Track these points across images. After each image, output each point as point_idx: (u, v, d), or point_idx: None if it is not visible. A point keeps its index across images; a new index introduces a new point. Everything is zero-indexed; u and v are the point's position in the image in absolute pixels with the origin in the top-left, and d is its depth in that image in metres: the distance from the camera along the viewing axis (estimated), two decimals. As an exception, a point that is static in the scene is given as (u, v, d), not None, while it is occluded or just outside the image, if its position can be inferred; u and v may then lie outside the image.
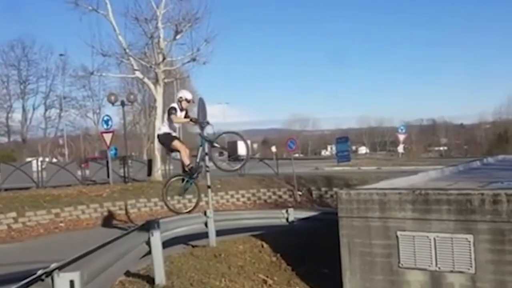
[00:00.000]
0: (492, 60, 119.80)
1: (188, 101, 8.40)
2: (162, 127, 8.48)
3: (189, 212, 9.23)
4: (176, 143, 8.32)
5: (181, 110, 8.29)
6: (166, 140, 8.39)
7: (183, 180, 8.67)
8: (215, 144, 8.77)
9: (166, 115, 8.40)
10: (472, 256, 6.44)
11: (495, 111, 68.14)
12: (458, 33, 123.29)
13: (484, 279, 6.38)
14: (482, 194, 6.44)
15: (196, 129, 9.07)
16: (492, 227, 6.31)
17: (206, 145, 8.73)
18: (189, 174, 8.47)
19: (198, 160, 8.60)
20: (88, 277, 5.10)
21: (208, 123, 8.54)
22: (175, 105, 8.31)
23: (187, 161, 8.34)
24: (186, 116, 8.34)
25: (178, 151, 8.43)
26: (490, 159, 15.65)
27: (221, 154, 8.71)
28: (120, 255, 6.70)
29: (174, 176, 9.34)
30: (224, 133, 9.95)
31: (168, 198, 8.81)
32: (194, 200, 9.06)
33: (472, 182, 8.52)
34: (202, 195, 10.66)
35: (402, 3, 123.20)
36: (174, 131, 8.32)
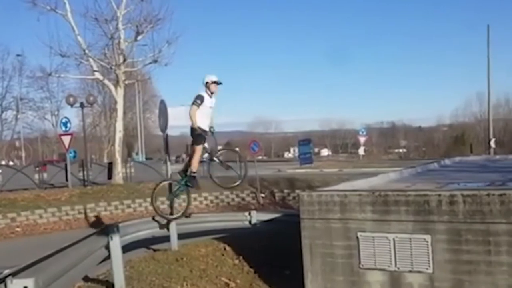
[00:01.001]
0: (449, 64, 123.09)
1: (216, 83, 8.18)
2: (199, 120, 8.20)
3: (177, 217, 9.03)
4: (199, 148, 8.13)
5: (211, 95, 8.11)
6: (198, 139, 8.19)
7: (175, 184, 8.53)
8: (214, 159, 8.54)
9: (193, 105, 8.12)
10: (430, 256, 6.56)
11: (452, 114, 70.27)
12: (415, 37, 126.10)
13: (442, 279, 6.52)
14: (439, 195, 6.57)
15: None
16: (449, 227, 6.45)
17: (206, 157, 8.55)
18: (189, 180, 8.37)
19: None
20: (43, 283, 4.96)
21: (212, 132, 8.33)
22: (203, 93, 8.06)
23: (196, 167, 8.23)
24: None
25: (194, 154, 8.25)
26: (447, 161, 16.02)
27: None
28: (78, 260, 6.56)
29: (166, 180, 9.14)
30: (224, 149, 9.70)
31: (157, 203, 8.65)
32: (184, 205, 8.89)
33: (430, 183, 8.70)
34: (163, 198, 10.58)
35: (360, 3, 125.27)
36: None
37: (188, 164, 8.51)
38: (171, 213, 9.60)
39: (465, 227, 6.34)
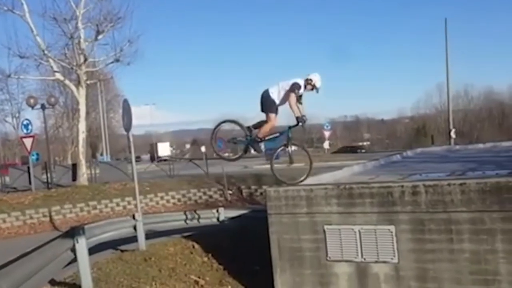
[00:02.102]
0: (409, 57, 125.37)
1: (314, 88, 8.04)
2: (274, 92, 8.02)
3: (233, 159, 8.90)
4: (272, 115, 8.02)
5: (305, 88, 7.97)
6: (269, 106, 8.03)
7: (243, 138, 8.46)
8: (289, 146, 8.32)
9: (284, 85, 7.95)
10: (395, 246, 6.72)
11: (413, 106, 71.61)
12: (375, 31, 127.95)
13: (406, 268, 6.69)
14: (402, 186, 6.73)
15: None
16: (412, 217, 6.62)
17: (285, 139, 8.33)
18: (254, 141, 8.23)
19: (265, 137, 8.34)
20: (8, 288, 4.87)
21: (304, 121, 7.98)
22: (301, 82, 7.91)
23: (266, 133, 8.12)
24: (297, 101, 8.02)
25: (268, 121, 8.08)
26: (409, 153, 16.38)
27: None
28: (43, 264, 6.47)
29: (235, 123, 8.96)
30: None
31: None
32: (239, 154, 8.85)
33: (393, 175, 8.89)
34: (129, 198, 10.49)
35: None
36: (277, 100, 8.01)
37: (258, 126, 8.30)
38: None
39: (427, 217, 6.52)
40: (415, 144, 36.96)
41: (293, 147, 8.55)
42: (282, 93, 7.96)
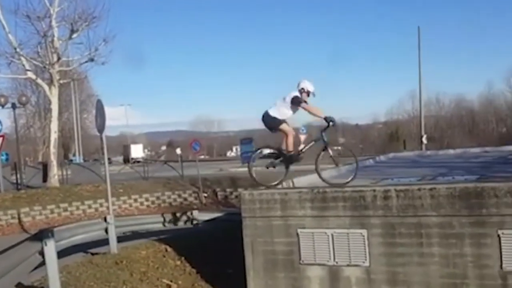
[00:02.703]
0: (383, 64, 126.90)
1: (309, 94, 7.99)
2: (270, 111, 8.04)
3: (274, 185, 8.30)
4: (284, 126, 8.00)
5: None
6: (274, 124, 8.02)
7: (273, 157, 8.27)
8: (329, 149, 8.07)
9: (281, 103, 7.98)
10: (367, 250, 6.79)
11: (387, 111, 72.43)
12: (349, 38, 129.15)
13: (377, 271, 6.76)
14: (374, 190, 6.81)
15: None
16: (383, 221, 6.70)
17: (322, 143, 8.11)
18: (285, 159, 8.12)
19: (303, 150, 8.25)
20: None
21: (333, 122, 7.88)
22: (297, 94, 7.90)
23: (291, 147, 8.01)
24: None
25: (286, 134, 8.03)
26: (382, 157, 16.58)
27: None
28: (10, 267, 6.35)
29: (268, 148, 8.66)
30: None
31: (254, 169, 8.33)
32: (281, 177, 8.42)
33: (366, 179, 8.99)
34: (102, 200, 10.35)
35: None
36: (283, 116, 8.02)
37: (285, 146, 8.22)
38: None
39: (398, 221, 6.61)
40: (388, 149, 37.38)
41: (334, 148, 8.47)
42: (283, 109, 8.02)
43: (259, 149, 8.73)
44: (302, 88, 8.03)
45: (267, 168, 8.41)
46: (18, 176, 21.59)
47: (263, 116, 8.21)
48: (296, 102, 7.90)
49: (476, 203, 6.17)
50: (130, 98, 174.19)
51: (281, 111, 8.03)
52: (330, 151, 8.05)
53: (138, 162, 37.16)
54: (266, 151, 8.55)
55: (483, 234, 6.15)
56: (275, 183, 8.21)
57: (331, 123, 7.83)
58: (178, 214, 11.27)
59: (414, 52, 35.60)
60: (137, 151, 62.71)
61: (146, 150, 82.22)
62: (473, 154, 16.02)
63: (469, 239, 6.22)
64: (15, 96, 30.45)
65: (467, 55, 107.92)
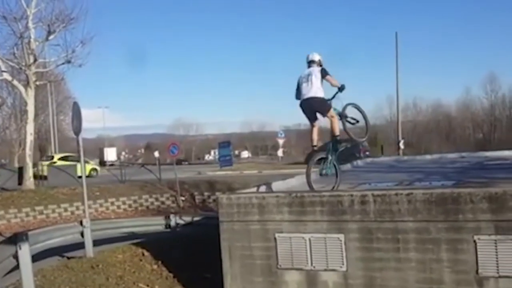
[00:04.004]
0: (360, 68, 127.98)
1: (311, 62, 7.80)
2: (318, 91, 7.58)
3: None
4: (332, 112, 7.68)
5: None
6: (325, 107, 7.61)
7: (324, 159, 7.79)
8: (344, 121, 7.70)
9: (317, 78, 7.58)
10: (344, 255, 6.81)
11: (364, 116, 72.98)
12: (325, 41, 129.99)
13: (355, 276, 6.78)
14: (352, 195, 6.83)
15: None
16: (361, 226, 6.72)
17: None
18: (338, 143, 7.79)
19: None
20: None
21: (344, 89, 7.59)
22: (317, 67, 7.64)
23: (337, 130, 7.72)
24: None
25: (332, 118, 7.69)
26: (360, 162, 16.70)
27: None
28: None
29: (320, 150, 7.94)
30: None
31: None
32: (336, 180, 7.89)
33: (343, 184, 9.02)
34: (78, 204, 10.20)
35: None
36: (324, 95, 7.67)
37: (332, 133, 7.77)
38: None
39: (375, 226, 6.64)
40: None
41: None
42: (320, 87, 7.68)
43: (315, 152, 7.97)
44: (319, 60, 7.91)
45: (321, 175, 7.99)
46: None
47: (307, 102, 7.67)
48: (324, 75, 7.68)
49: (453, 209, 6.23)
50: (108, 100, 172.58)
51: (321, 90, 7.66)
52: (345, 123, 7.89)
53: (112, 165, 37.03)
54: (320, 155, 7.91)
55: (459, 240, 6.21)
56: (335, 185, 7.83)
57: (343, 90, 7.72)
58: (155, 218, 11.17)
59: (392, 57, 36.04)
60: (111, 154, 62.35)
61: (124, 153, 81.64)
62: (449, 160, 16.24)
63: (446, 244, 6.27)
64: (-9, 97, 29.96)
65: (445, 60, 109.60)
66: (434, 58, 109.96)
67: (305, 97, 7.67)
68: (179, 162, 27.29)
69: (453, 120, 64.87)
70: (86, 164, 30.20)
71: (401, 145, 35.08)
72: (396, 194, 6.56)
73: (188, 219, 11.04)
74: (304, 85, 7.71)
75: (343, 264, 6.80)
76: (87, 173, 28.89)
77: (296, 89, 7.90)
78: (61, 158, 30.76)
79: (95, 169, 32.66)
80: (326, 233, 6.90)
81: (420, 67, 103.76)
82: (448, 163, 14.66)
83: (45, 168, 24.52)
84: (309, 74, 7.73)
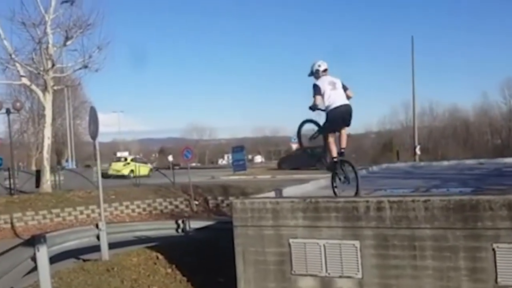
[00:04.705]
0: (376, 73, 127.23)
1: (325, 70, 7.70)
2: (349, 103, 7.58)
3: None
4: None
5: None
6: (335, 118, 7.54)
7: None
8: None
9: (341, 87, 7.56)
10: (359, 261, 6.75)
11: (379, 121, 72.50)
12: (340, 47, 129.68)
13: (370, 283, 6.72)
14: (367, 201, 6.78)
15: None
16: (376, 233, 6.67)
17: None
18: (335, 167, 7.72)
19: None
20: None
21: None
22: (317, 82, 7.56)
23: (335, 152, 7.68)
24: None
25: (329, 139, 7.69)
26: (375, 168, 16.58)
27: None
28: (3, 273, 6.33)
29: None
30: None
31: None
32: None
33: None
34: (94, 207, 10.25)
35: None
36: None
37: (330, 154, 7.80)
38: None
39: (392, 233, 6.58)
40: (381, 159, 37.46)
41: None
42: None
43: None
44: (317, 70, 7.78)
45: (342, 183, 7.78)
46: (12, 181, 21.48)
47: (346, 108, 7.61)
48: (345, 88, 7.70)
49: (471, 216, 6.15)
50: (123, 105, 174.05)
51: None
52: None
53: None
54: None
55: (478, 248, 6.12)
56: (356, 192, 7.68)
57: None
58: (169, 222, 11.20)
59: (408, 61, 35.80)
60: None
61: (138, 157, 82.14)
62: (467, 166, 16.04)
63: (464, 252, 6.19)
64: (10, 101, 30.28)
65: (462, 65, 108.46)
66: (451, 62, 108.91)
67: (345, 102, 7.59)
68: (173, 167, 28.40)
69: (470, 125, 63.89)
70: (146, 165, 38.95)
71: (418, 151, 34.80)
72: (413, 201, 6.50)
73: (201, 223, 11.06)
74: (334, 92, 7.58)
75: (358, 271, 6.75)
76: (147, 173, 35.25)
77: (319, 95, 7.64)
78: (131, 160, 38.62)
79: (151, 170, 37.87)
80: (341, 239, 6.86)
81: (437, 71, 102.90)
82: (465, 169, 14.50)
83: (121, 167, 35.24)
84: (335, 83, 7.64)
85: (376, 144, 66.91)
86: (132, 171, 33.33)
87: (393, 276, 6.57)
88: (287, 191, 9.37)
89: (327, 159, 7.97)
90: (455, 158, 24.57)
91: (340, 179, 7.77)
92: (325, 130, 7.79)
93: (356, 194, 7.49)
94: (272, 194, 8.87)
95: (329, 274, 6.93)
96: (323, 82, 7.64)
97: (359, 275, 6.75)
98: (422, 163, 19.62)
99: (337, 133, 7.80)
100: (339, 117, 7.60)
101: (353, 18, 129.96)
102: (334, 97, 7.55)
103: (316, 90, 7.60)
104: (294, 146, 44.47)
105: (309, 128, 8.16)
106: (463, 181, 10.39)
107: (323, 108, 7.63)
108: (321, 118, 7.81)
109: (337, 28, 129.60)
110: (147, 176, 33.39)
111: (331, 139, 7.76)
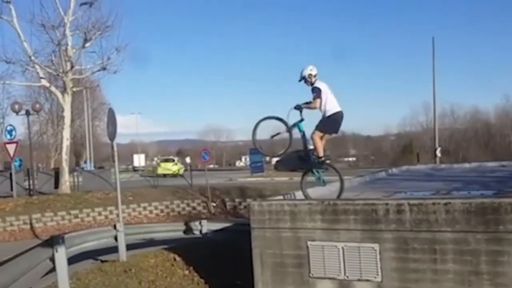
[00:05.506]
0: (396, 74, 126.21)
1: (315, 76, 7.79)
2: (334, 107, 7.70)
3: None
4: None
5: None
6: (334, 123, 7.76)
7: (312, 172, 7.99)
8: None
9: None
10: (378, 265, 6.66)
11: (399, 123, 71.85)
12: (361, 48, 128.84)
13: (390, 287, 6.62)
14: (387, 204, 6.69)
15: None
16: (396, 236, 6.57)
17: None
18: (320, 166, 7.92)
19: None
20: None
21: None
22: (318, 85, 7.68)
23: (321, 153, 7.81)
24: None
25: (319, 139, 7.81)
26: (395, 170, 16.41)
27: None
28: (21, 273, 6.33)
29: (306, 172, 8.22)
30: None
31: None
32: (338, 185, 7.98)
33: (378, 192, 8.86)
34: (112, 208, 10.27)
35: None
36: None
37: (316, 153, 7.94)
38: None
39: (412, 236, 6.47)
40: (401, 162, 37.12)
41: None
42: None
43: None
44: (310, 74, 7.84)
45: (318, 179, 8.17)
46: (31, 182, 21.72)
47: (342, 115, 7.82)
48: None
49: (493, 219, 6.02)
50: (141, 106, 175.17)
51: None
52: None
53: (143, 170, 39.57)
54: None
55: (500, 252, 6.00)
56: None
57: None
58: (187, 223, 11.18)
59: (428, 62, 35.38)
60: (140, 160, 63.69)
61: (156, 158, 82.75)
62: (489, 168, 15.78)
63: (485, 256, 6.07)
64: (29, 103, 30.74)
65: (482, 65, 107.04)
66: (471, 64, 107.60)
67: (341, 109, 7.74)
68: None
69: (492, 127, 62.98)
70: (178, 165, 41.75)
71: (438, 153, 34.35)
72: (434, 204, 6.39)
73: (219, 225, 11.03)
74: (332, 97, 7.74)
75: (377, 274, 6.65)
76: (182, 172, 37.57)
77: (319, 98, 7.71)
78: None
79: (183, 169, 40.27)
80: (360, 242, 6.77)
81: (458, 72, 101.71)
82: (487, 172, 14.25)
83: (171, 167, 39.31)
84: (330, 88, 7.79)
85: (396, 146, 66.41)
86: (179, 169, 38.31)
87: (413, 280, 6.46)
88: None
89: (311, 157, 8.00)
90: (476, 160, 24.18)
91: (319, 178, 8.05)
92: (314, 130, 7.87)
93: (339, 196, 7.67)
94: (290, 196, 8.81)
95: (347, 277, 6.84)
96: (323, 86, 7.75)
97: (378, 279, 6.65)
98: (443, 166, 19.34)
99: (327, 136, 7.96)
100: (337, 123, 7.82)
101: (374, 20, 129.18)
102: (334, 103, 7.73)
103: (318, 93, 7.69)
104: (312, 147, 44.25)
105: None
106: (484, 184, 10.21)
107: (322, 111, 7.74)
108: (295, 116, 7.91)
109: (358, 29, 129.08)
110: (181, 175, 34.03)
111: (321, 140, 7.87)
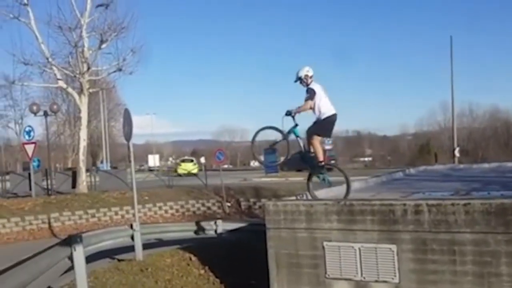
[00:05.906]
0: (413, 73, 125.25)
1: (311, 77, 7.72)
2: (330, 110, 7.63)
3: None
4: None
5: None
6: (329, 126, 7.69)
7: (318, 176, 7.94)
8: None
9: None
10: (396, 266, 6.58)
11: (416, 122, 71.14)
12: (379, 47, 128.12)
13: (407, 288, 6.54)
14: (405, 204, 6.61)
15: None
16: (414, 236, 6.49)
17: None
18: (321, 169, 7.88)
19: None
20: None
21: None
22: (313, 87, 7.61)
23: (321, 157, 7.78)
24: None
25: (317, 143, 7.76)
26: (412, 170, 16.24)
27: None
28: (41, 271, 6.40)
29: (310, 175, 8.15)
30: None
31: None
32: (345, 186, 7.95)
33: (395, 193, 8.77)
34: (128, 207, 10.26)
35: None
36: None
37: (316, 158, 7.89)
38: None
39: (430, 237, 6.39)
40: (418, 162, 36.74)
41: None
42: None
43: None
44: (306, 75, 7.73)
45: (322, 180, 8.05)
46: (49, 182, 21.95)
47: (336, 117, 7.73)
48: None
49: (513, 220, 5.92)
50: (156, 107, 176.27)
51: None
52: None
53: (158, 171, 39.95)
54: None
55: (521, 253, 5.89)
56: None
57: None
58: (201, 223, 11.20)
59: (446, 61, 34.96)
60: (153, 161, 64.09)
61: (171, 159, 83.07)
62: (509, 168, 15.55)
63: (506, 257, 5.96)
64: (47, 104, 31.04)
65: (502, 64, 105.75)
66: (490, 63, 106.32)
67: (336, 112, 7.67)
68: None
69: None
70: (196, 165, 43.08)
71: (457, 153, 33.90)
72: (453, 204, 6.30)
73: (233, 225, 11.02)
74: (327, 99, 7.66)
75: (395, 275, 6.57)
76: (196, 171, 38.60)
77: (311, 100, 7.62)
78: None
79: (197, 169, 40.84)
80: (377, 243, 6.70)
81: (476, 71, 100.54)
82: (507, 172, 14.04)
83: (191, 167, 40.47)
84: (326, 90, 7.72)
85: (413, 146, 65.75)
86: (199, 170, 37.81)
87: (432, 281, 6.38)
88: (320, 193, 9.22)
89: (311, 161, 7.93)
90: (496, 160, 23.84)
91: (324, 179, 7.93)
92: (311, 134, 7.76)
93: (346, 196, 7.62)
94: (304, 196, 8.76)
95: (364, 278, 6.78)
96: (318, 88, 7.65)
97: (396, 280, 6.58)
98: (461, 166, 19.11)
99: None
100: (332, 126, 7.75)
101: (390, 18, 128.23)
102: (329, 105, 7.63)
103: (311, 94, 7.58)
104: (328, 147, 44.07)
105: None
106: (504, 184, 10.04)
107: (317, 114, 7.63)
108: (289, 123, 7.81)
109: (373, 28, 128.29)
110: (195, 174, 34.67)
111: (319, 143, 7.82)
